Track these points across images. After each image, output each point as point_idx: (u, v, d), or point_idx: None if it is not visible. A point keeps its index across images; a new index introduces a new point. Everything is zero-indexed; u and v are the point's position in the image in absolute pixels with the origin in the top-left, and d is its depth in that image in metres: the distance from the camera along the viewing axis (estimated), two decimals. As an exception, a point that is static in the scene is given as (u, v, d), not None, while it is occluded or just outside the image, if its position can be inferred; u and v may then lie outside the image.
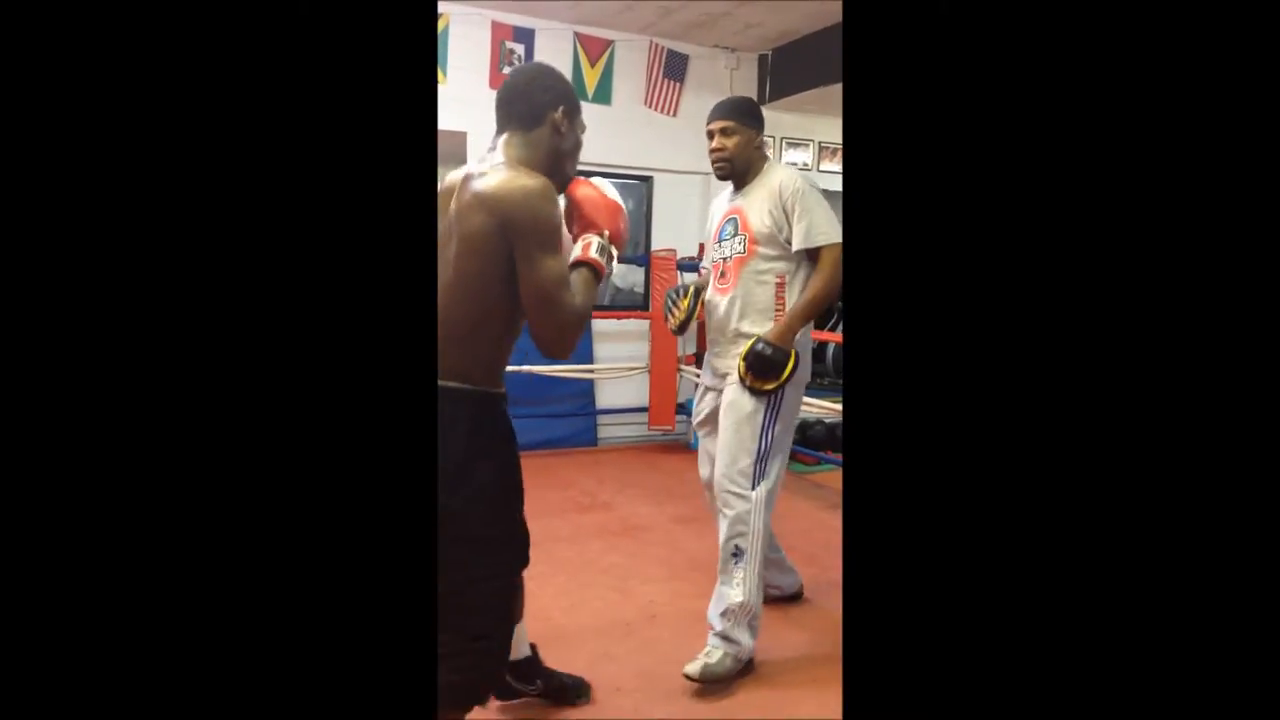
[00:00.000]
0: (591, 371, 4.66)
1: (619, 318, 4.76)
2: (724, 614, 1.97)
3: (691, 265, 4.68)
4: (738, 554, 1.97)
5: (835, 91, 4.58)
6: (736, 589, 1.96)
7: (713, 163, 2.09)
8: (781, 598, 2.41)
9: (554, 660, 1.89)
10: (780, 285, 2.03)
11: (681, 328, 2.18)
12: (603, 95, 4.64)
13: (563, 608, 2.37)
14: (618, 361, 4.74)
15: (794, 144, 5.33)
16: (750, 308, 2.04)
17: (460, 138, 5.00)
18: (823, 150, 5.47)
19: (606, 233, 1.45)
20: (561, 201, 1.42)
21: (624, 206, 1.50)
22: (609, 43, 4.62)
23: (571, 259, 1.42)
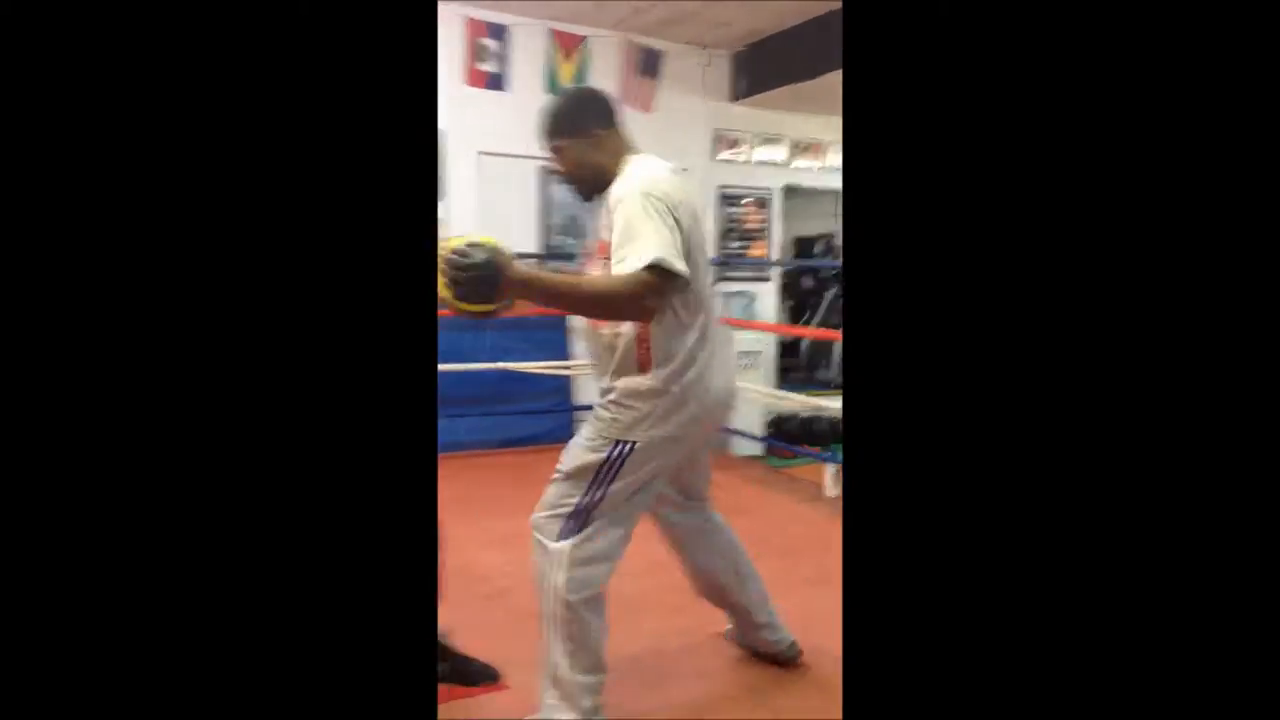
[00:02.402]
0: (567, 368, 4.66)
1: (595, 314, 4.76)
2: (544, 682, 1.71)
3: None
4: (541, 614, 1.68)
5: (807, 88, 4.61)
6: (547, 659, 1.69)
7: None
8: (773, 657, 2.05)
9: (525, 655, 1.90)
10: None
11: None
12: (577, 91, 4.64)
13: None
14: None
15: (768, 140, 5.36)
16: None
17: (439, 135, 4.97)
18: (795, 147, 5.50)
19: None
20: None
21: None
22: (583, 38, 4.61)
23: None
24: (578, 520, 1.65)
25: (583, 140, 1.67)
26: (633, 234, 1.50)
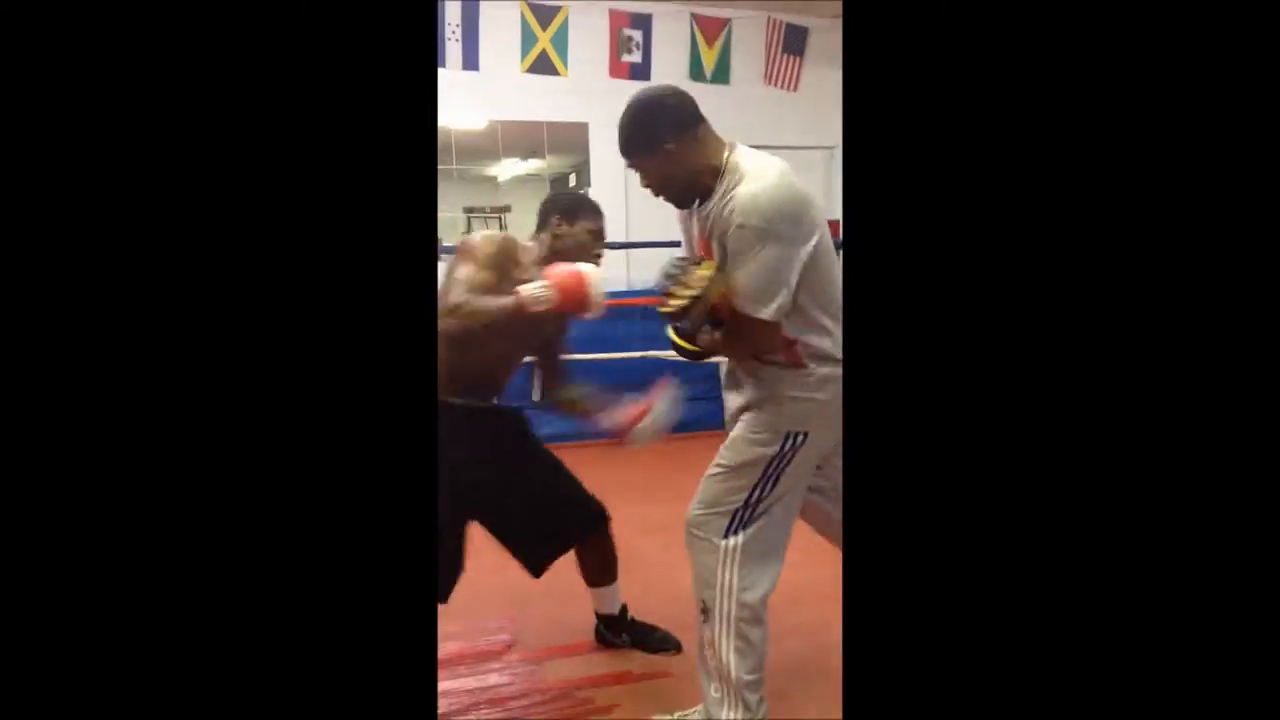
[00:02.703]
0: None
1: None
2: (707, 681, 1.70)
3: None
4: (705, 610, 1.67)
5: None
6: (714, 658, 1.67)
7: None
8: None
9: (686, 642, 1.91)
10: None
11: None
12: (721, 75, 4.60)
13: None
14: (744, 344, 4.71)
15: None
16: None
17: (582, 128, 5.08)
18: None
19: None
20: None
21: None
22: (726, 21, 4.56)
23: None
24: (745, 515, 1.61)
25: (661, 155, 1.55)
26: (749, 272, 1.48)
